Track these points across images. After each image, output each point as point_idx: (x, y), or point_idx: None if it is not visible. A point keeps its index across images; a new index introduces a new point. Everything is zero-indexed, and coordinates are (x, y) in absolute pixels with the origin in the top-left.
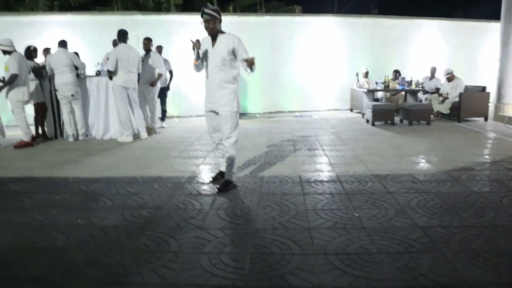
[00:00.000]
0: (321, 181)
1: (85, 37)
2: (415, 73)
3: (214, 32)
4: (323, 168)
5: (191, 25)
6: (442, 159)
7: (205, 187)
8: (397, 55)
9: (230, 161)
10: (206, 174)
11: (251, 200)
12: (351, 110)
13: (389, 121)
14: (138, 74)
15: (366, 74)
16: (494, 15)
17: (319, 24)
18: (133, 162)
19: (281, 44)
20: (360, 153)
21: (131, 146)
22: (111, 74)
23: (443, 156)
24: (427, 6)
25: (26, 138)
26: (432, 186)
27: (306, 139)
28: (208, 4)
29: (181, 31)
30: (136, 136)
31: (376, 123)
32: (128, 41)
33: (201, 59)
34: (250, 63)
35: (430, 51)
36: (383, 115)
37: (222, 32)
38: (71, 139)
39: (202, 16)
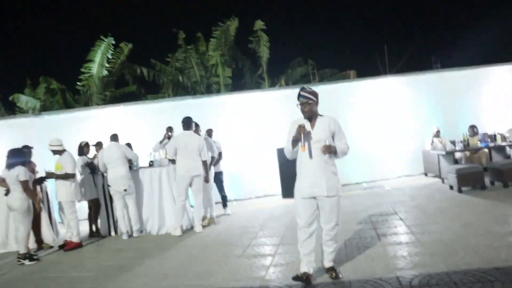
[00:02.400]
0: (429, 285)
1: (138, 126)
2: (491, 126)
3: (310, 115)
4: (424, 262)
5: (241, 104)
6: None
7: None
8: (469, 109)
9: (335, 248)
10: (279, 281)
11: None
12: (426, 174)
13: (478, 186)
14: (204, 161)
15: (438, 134)
16: None
17: (378, 86)
18: (193, 267)
19: (340, 111)
20: (461, 234)
21: (189, 243)
22: (172, 163)
23: None
24: (494, 52)
25: (77, 239)
26: None
27: (386, 219)
28: (305, 87)
29: (233, 111)
30: (190, 229)
31: (462, 188)
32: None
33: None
34: (326, 150)
35: (506, 99)
36: (470, 178)
37: (320, 115)
38: (125, 237)
39: (298, 99)
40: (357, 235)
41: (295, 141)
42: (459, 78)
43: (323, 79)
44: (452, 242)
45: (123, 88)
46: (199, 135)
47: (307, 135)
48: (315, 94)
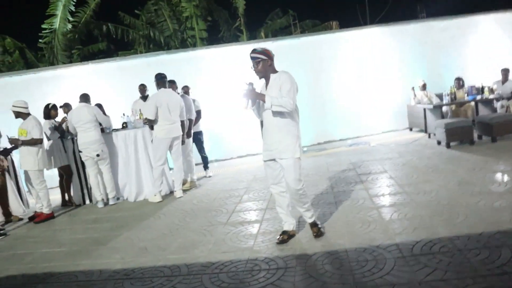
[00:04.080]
0: (432, 252)
1: (109, 85)
2: (477, 78)
3: (264, 75)
4: (423, 225)
5: (221, 58)
6: None
7: (272, 275)
8: (455, 60)
9: (307, 207)
10: (269, 251)
11: None
12: (410, 129)
13: (466, 140)
14: (182, 122)
15: (424, 87)
16: None
17: (362, 38)
18: (174, 237)
19: (323, 65)
20: (457, 193)
21: (170, 211)
22: (151, 123)
23: None
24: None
25: (48, 211)
26: None
27: (377, 178)
28: (256, 48)
29: (211, 66)
30: (170, 194)
31: (451, 143)
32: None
33: (258, 103)
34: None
35: (491, 50)
36: (459, 133)
37: (275, 72)
38: (100, 205)
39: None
40: (348, 197)
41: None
42: (445, 28)
43: (304, 31)
44: (450, 203)
45: (91, 46)
46: (177, 93)
47: (249, 93)
48: (265, 53)
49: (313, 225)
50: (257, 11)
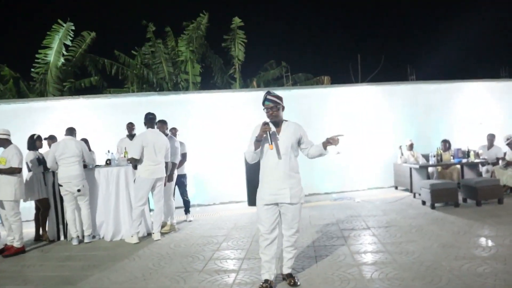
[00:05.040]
0: None
1: (98, 121)
2: (463, 142)
3: (278, 120)
4: (404, 287)
5: (212, 104)
6: None
7: None
8: (443, 122)
9: (294, 254)
10: None
11: None
12: (396, 187)
13: (451, 202)
14: (167, 163)
15: (411, 147)
16: None
17: (352, 94)
18: (147, 282)
19: (312, 118)
20: (441, 256)
21: (146, 254)
22: (135, 163)
23: None
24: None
25: (19, 244)
26: None
27: (359, 235)
28: (270, 91)
29: (201, 111)
30: (148, 235)
31: (436, 204)
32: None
33: (260, 148)
34: (336, 141)
35: (479, 115)
36: (444, 195)
37: (285, 120)
38: (75, 242)
39: (263, 103)
40: (329, 252)
41: (258, 141)
42: (434, 91)
43: (296, 83)
44: (433, 265)
45: (84, 80)
46: (166, 134)
47: (274, 135)
48: (281, 99)
49: (289, 276)
50: (251, 61)
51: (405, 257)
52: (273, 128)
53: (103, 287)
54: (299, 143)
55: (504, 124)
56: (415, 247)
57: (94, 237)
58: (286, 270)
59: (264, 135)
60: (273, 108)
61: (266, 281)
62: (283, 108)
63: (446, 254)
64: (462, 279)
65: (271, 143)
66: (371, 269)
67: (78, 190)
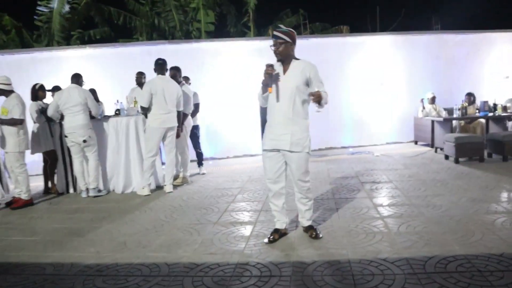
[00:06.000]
0: (448, 271)
1: (107, 71)
2: (489, 95)
3: (284, 57)
4: (435, 241)
5: (226, 53)
6: None
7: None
8: (467, 76)
9: (310, 205)
10: (262, 256)
11: None
12: (416, 142)
13: (476, 157)
14: (179, 112)
15: (433, 100)
16: None
17: (373, 45)
18: (158, 234)
19: (330, 69)
20: (471, 210)
21: (157, 205)
22: (145, 111)
23: None
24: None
25: (26, 197)
26: None
27: (382, 187)
28: (281, 26)
29: (214, 60)
30: (159, 188)
31: (459, 159)
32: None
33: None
34: (317, 98)
35: (506, 68)
36: (469, 149)
37: (296, 59)
38: (84, 195)
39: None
40: (351, 205)
41: (266, 85)
42: (459, 43)
43: (313, 33)
44: (463, 219)
45: (92, 30)
46: (179, 81)
47: (276, 77)
48: (290, 35)
49: (310, 228)
50: (266, 9)
51: (432, 211)
52: (278, 70)
53: (113, 239)
54: (308, 85)
55: None
56: (442, 201)
57: (100, 191)
58: (306, 223)
59: (268, 77)
60: (278, 44)
61: (276, 230)
62: (293, 44)
63: (475, 208)
64: (496, 233)
65: (271, 86)
66: (397, 222)
67: (84, 141)
